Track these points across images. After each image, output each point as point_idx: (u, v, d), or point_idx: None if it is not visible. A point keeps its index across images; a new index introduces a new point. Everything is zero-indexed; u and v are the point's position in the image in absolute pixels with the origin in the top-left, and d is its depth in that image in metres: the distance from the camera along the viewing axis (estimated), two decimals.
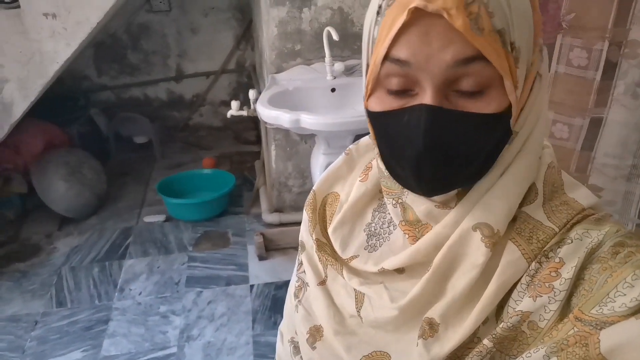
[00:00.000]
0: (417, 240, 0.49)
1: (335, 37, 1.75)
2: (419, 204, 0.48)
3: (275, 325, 1.80)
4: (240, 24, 3.18)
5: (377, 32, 0.43)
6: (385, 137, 0.45)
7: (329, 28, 1.80)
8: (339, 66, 1.92)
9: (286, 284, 2.12)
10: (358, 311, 0.53)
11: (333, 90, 1.90)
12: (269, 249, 2.19)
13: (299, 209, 2.37)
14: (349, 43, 2.00)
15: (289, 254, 2.18)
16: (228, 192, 2.49)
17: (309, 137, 2.15)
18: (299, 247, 0.64)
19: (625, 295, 0.38)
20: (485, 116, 0.41)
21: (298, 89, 1.89)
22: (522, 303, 0.43)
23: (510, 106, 0.42)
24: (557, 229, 0.44)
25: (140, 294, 1.99)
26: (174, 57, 3.23)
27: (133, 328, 1.81)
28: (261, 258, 2.15)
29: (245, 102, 2.16)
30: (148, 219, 2.48)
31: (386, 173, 0.50)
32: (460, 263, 0.46)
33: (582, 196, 0.46)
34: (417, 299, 0.47)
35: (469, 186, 0.46)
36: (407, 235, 0.50)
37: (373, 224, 0.56)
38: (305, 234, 0.62)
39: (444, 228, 0.47)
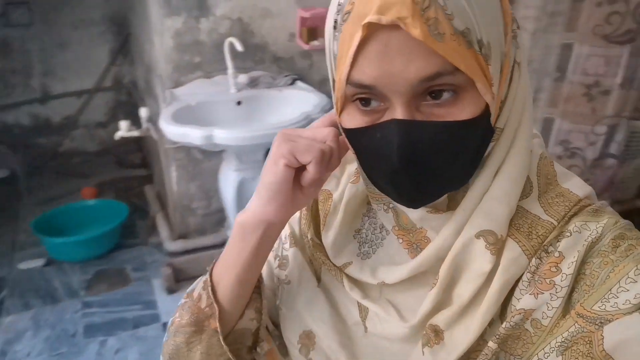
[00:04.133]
0: (412, 245, 0.48)
1: (239, 48, 1.68)
2: (411, 210, 0.47)
3: None
4: (116, 37, 2.92)
5: (337, 47, 0.41)
6: (362, 152, 0.44)
7: (231, 39, 1.72)
8: (243, 78, 1.84)
9: None
10: (363, 320, 0.50)
11: (239, 103, 1.81)
12: (178, 279, 2.00)
13: (205, 232, 2.21)
14: (250, 54, 1.92)
15: None
16: (120, 223, 2.23)
17: (213, 155, 2.02)
18: (290, 238, 0.57)
19: (628, 291, 0.37)
20: (460, 123, 0.39)
21: (202, 104, 1.76)
22: (523, 301, 0.42)
23: (487, 106, 0.40)
24: (555, 223, 0.43)
25: (28, 354, 1.67)
26: (38, 75, 2.86)
27: None
28: (170, 291, 1.96)
29: (133, 122, 1.98)
30: (24, 265, 2.15)
31: (370, 186, 0.49)
32: (464, 271, 0.44)
33: (576, 186, 0.46)
34: (426, 313, 0.45)
35: (457, 189, 0.45)
36: (401, 240, 0.49)
37: (364, 230, 0.53)
38: (297, 229, 0.57)
39: (444, 240, 0.45)
